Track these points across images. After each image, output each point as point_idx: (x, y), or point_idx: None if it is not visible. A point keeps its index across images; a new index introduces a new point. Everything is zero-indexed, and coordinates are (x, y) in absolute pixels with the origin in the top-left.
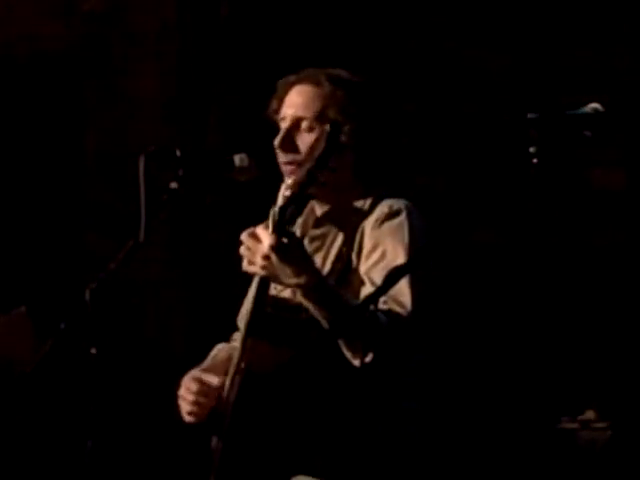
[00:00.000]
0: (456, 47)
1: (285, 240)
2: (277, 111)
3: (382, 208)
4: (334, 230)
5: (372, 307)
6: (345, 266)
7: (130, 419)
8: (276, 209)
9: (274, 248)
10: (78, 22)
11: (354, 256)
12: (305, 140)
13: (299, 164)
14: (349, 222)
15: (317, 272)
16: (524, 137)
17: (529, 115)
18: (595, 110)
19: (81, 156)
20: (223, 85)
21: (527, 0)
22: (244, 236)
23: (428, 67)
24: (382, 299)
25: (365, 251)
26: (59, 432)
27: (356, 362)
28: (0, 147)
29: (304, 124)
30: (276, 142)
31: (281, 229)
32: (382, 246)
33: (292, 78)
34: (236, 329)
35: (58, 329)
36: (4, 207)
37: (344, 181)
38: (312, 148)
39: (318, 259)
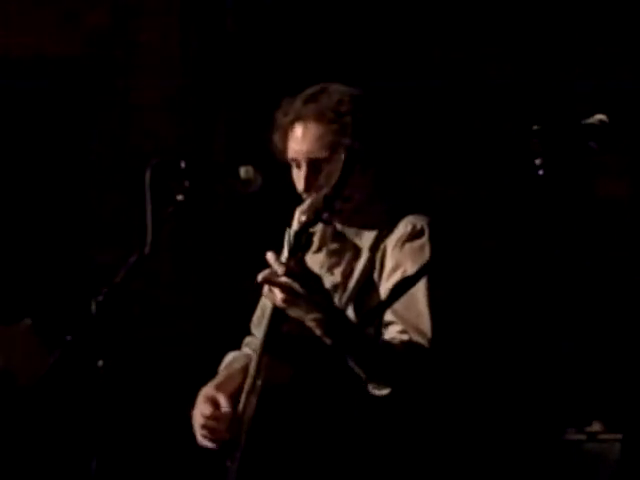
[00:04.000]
0: (462, 59)
1: (300, 267)
2: (284, 150)
3: (405, 226)
4: (353, 245)
5: (391, 338)
6: (365, 284)
7: (137, 431)
8: (292, 233)
9: (294, 276)
10: (82, 36)
11: (375, 274)
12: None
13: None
14: (368, 238)
15: (334, 307)
16: (529, 149)
17: (534, 127)
18: (600, 121)
19: (85, 167)
20: (228, 97)
21: (531, 13)
22: (262, 275)
23: (435, 79)
24: (400, 327)
25: (386, 271)
26: (65, 445)
27: (375, 393)
28: (5, 158)
29: (323, 164)
30: (300, 188)
31: (296, 254)
32: (403, 267)
33: (291, 115)
34: (249, 334)
35: (64, 341)
36: (8, 219)
37: (366, 197)
38: (329, 174)
39: (337, 273)
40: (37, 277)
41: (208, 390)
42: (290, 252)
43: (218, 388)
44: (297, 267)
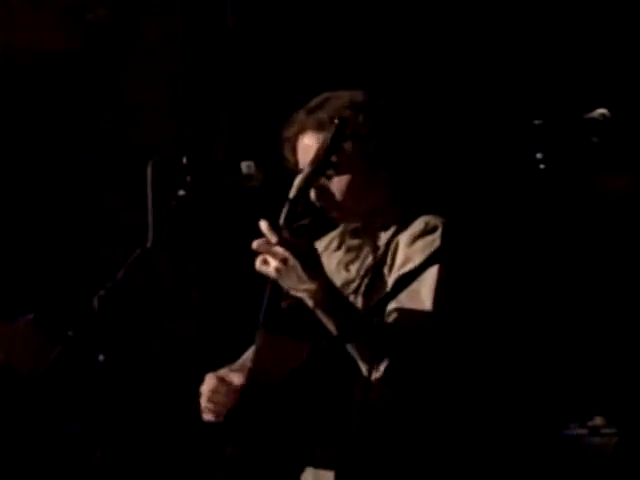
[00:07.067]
0: (462, 55)
1: (294, 237)
2: (296, 163)
3: (418, 224)
4: (370, 242)
5: (388, 319)
6: (376, 278)
7: (139, 426)
8: (287, 202)
9: (287, 245)
10: (82, 32)
11: (386, 269)
12: (337, 184)
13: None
14: (385, 236)
15: (327, 279)
16: (531, 143)
17: (535, 121)
18: (602, 115)
19: (86, 162)
20: (230, 93)
21: (532, 10)
22: (257, 242)
23: (434, 76)
24: (400, 314)
25: (396, 266)
26: (67, 440)
27: (367, 373)
28: (5, 154)
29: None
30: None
31: (291, 224)
32: (412, 262)
33: (295, 128)
34: (249, 327)
35: (66, 337)
36: (10, 215)
37: (381, 200)
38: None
39: (352, 269)
40: (39, 273)
41: (221, 371)
42: (285, 221)
43: (231, 371)
44: (290, 236)
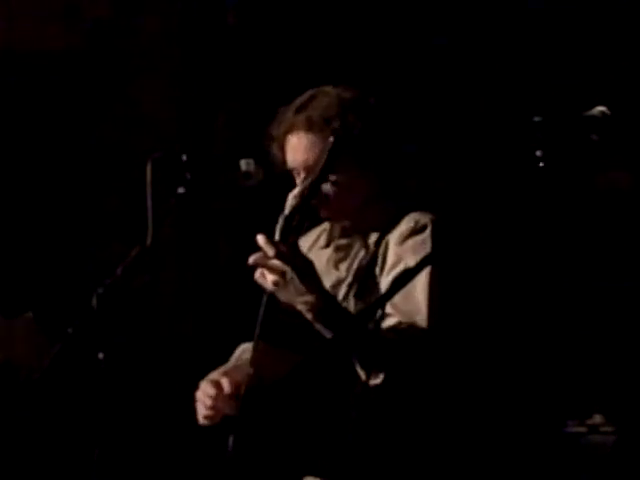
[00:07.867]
0: (462, 53)
1: (291, 251)
2: (283, 161)
3: (408, 222)
4: (360, 241)
5: (385, 326)
6: (367, 279)
7: (138, 424)
8: (282, 218)
9: (285, 259)
10: (83, 30)
11: (377, 269)
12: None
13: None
14: (374, 234)
15: (325, 291)
16: (530, 141)
17: (535, 118)
18: (601, 113)
19: (86, 160)
20: (229, 91)
21: (533, 8)
22: (254, 257)
23: (433, 73)
24: (397, 320)
25: (387, 266)
26: (67, 437)
27: (366, 380)
28: (6, 152)
29: None
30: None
31: (287, 238)
32: (404, 262)
33: (283, 127)
34: (249, 323)
35: (66, 334)
36: (10, 213)
37: (370, 197)
38: (318, 159)
39: (342, 268)
40: (38, 270)
41: (214, 374)
42: (281, 236)
43: (224, 374)
44: (287, 250)
